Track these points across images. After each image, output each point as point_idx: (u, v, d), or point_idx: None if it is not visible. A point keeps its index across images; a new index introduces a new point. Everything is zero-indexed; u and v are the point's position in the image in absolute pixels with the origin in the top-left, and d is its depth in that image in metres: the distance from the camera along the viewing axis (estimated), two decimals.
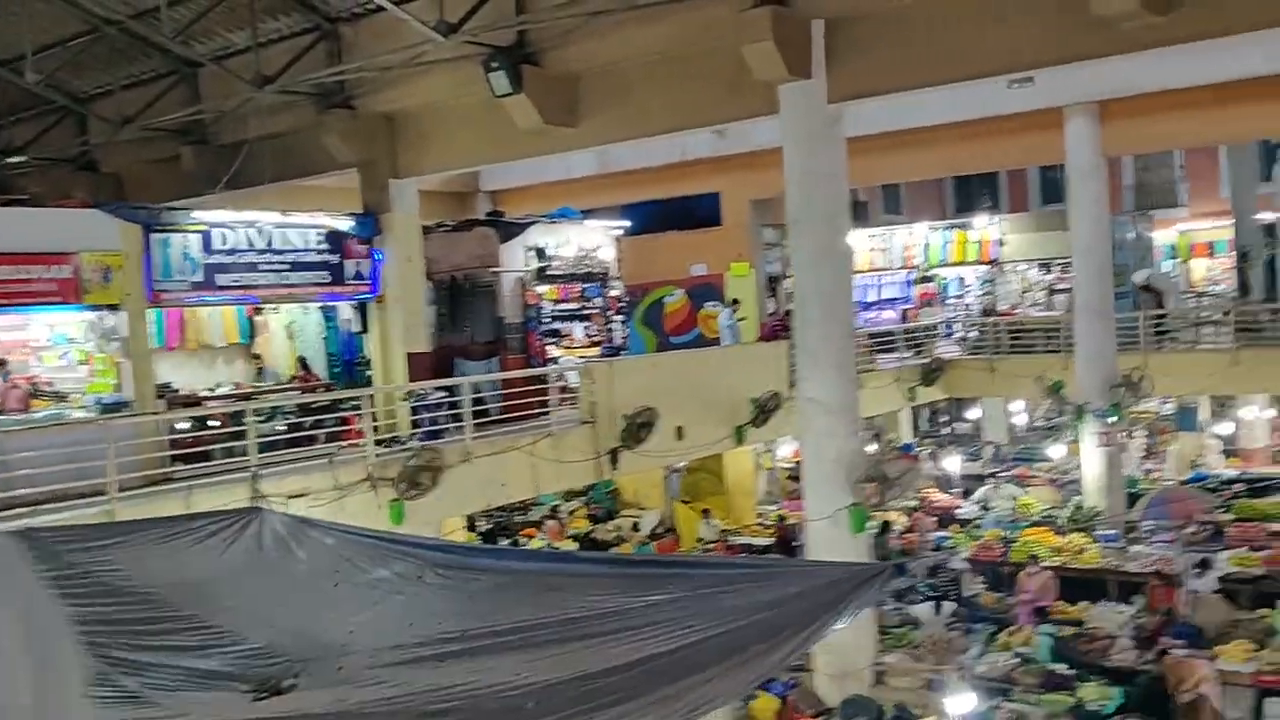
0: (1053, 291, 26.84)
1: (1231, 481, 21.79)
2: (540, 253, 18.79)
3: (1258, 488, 21.28)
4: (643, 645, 6.23)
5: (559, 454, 15.41)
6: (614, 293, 20.16)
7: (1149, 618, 14.74)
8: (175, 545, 7.75)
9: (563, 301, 19.54)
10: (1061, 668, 12.87)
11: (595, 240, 19.84)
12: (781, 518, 21.41)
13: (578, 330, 19.93)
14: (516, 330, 18.54)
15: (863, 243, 28.78)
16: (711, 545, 19.93)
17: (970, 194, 40.22)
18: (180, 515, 9.17)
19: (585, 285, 19.60)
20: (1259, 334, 23.05)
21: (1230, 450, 26.35)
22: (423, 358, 17.56)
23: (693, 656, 6.04)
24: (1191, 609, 14.59)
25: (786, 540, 19.55)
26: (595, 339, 19.99)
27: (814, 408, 12.40)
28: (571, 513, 24.68)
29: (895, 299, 29.20)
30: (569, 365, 16.99)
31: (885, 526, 18.18)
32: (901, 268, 28.21)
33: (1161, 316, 22.80)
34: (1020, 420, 29.52)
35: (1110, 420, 19.36)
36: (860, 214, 35.69)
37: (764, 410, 17.96)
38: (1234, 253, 30.11)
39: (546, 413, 15.52)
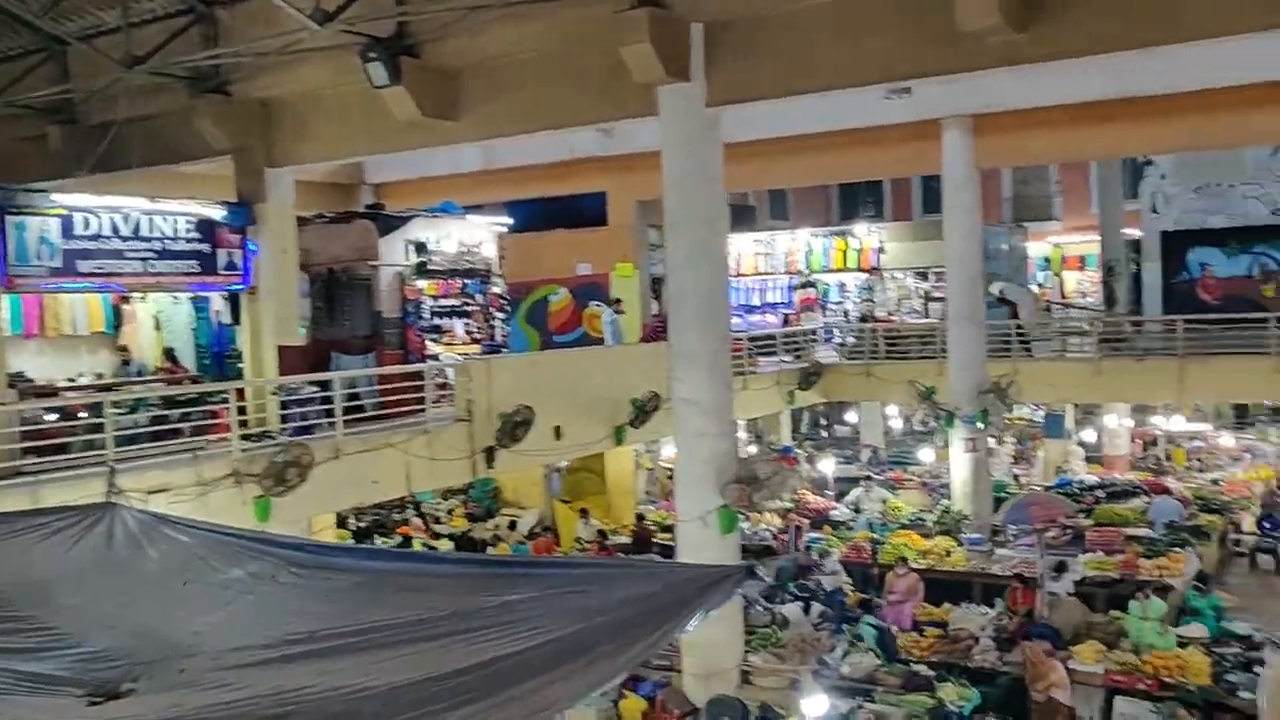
0: (929, 299, 27.47)
1: (1093, 487, 22.60)
2: (421, 247, 18.52)
3: (1117, 494, 22.11)
4: (492, 646, 6.15)
5: (433, 452, 15.20)
6: (496, 290, 19.99)
7: (1009, 619, 15.16)
8: (17, 542, 7.44)
9: (443, 297, 19.28)
10: (921, 669, 13.15)
11: (478, 236, 19.64)
12: (640, 517, 21.51)
13: (458, 327, 19.69)
14: (395, 325, 18.25)
15: (748, 247, 29.13)
16: (589, 545, 19.89)
17: (855, 201, 41.03)
18: (25, 510, 8.80)
19: (466, 281, 19.39)
20: (1122, 345, 23.99)
21: (1094, 457, 27.33)
22: (296, 351, 17.18)
23: (540, 657, 5.99)
24: (1049, 611, 15.04)
25: (644, 540, 19.67)
26: (476, 336, 19.78)
27: (687, 408, 12.45)
28: (450, 511, 24.46)
29: (778, 304, 29.58)
30: (447, 362, 16.75)
31: None
32: (785, 272, 28.58)
33: (1019, 328, 23.50)
34: (896, 424, 30.19)
35: (979, 426, 19.87)
36: (747, 218, 36.12)
37: (644, 411, 17.98)
38: (1102, 266, 31.25)
39: (422, 410, 15.30)
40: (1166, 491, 21.63)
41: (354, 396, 15.95)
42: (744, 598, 16.55)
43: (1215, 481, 23.86)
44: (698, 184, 12.36)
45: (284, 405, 14.96)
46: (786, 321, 27.83)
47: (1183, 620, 15.04)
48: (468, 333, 19.73)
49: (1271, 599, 18.30)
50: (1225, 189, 29.12)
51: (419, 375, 15.59)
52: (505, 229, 20.91)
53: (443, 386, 16.36)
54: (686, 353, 12.42)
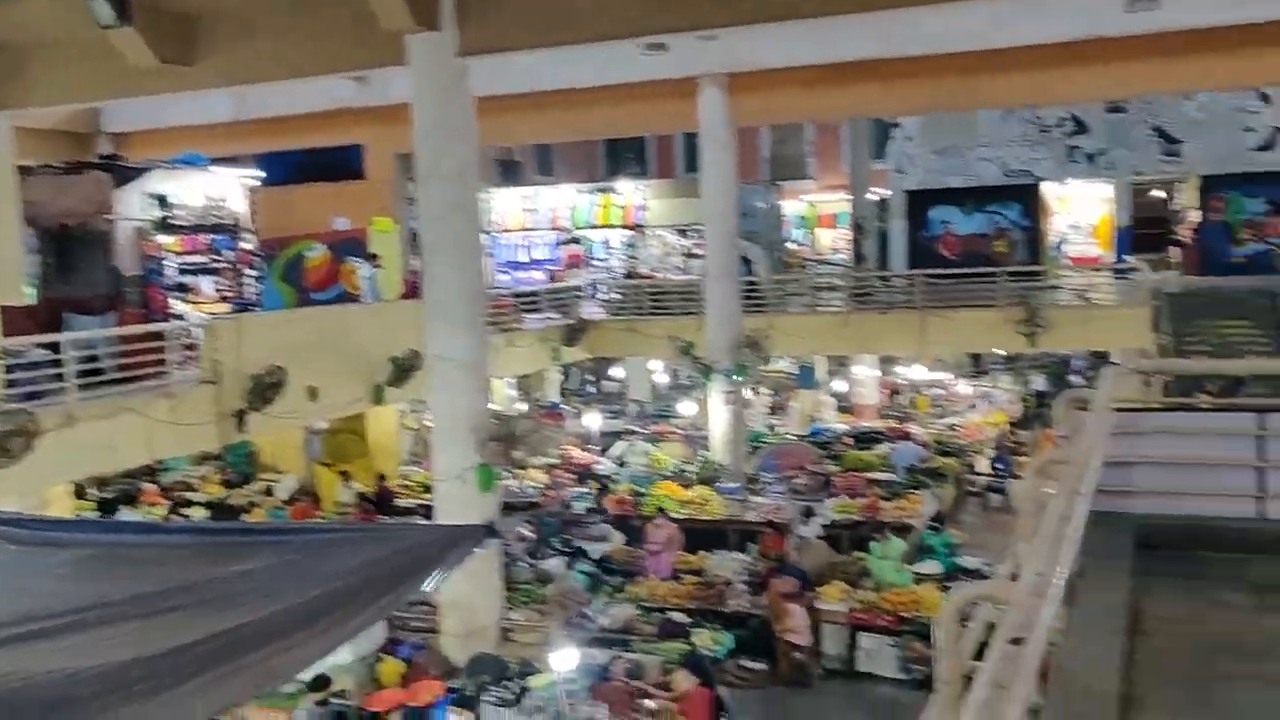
0: (689, 256, 28.02)
1: (842, 435, 23.69)
2: (162, 201, 17.43)
3: (863, 440, 23.27)
4: (224, 617, 5.91)
5: (178, 416, 14.42)
6: (246, 246, 19.08)
7: (761, 564, 15.74)
8: None
9: (190, 254, 18.26)
10: (679, 616, 13.50)
11: (225, 190, 18.66)
12: (382, 476, 21.21)
13: (207, 285, 18.72)
14: (135, 284, 17.13)
15: (513, 203, 28.89)
16: (350, 509, 19.41)
17: (620, 158, 41.30)
18: None
19: (214, 237, 18.42)
20: (869, 300, 25.19)
21: (845, 406, 28.68)
22: (22, 312, 15.89)
23: (273, 626, 5.80)
24: (798, 554, 15.70)
25: (385, 499, 19.44)
26: (226, 294, 18.86)
27: (442, 365, 12.25)
28: (204, 478, 23.37)
29: (544, 260, 29.53)
30: (193, 322, 15.88)
31: None
32: (550, 229, 28.53)
33: (751, 283, 24.38)
34: (662, 379, 30.76)
35: (735, 379, 20.46)
36: (513, 173, 35.82)
37: (404, 369, 17.58)
38: (852, 224, 32.67)
39: (166, 372, 14.46)
40: (907, 437, 22.90)
41: (93, 359, 14.97)
42: (508, 554, 16.58)
43: (952, 427, 25.42)
44: (450, 136, 12.11)
45: (9, 370, 13.83)
46: (552, 278, 27.83)
47: (920, 558, 15.98)
48: (217, 291, 18.79)
49: (1000, 535, 19.71)
50: (962, 150, 30.90)
51: (160, 336, 14.70)
52: (257, 182, 19.96)
53: (190, 348, 15.53)
54: (440, 309, 12.20)
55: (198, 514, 20.25)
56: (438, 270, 12.23)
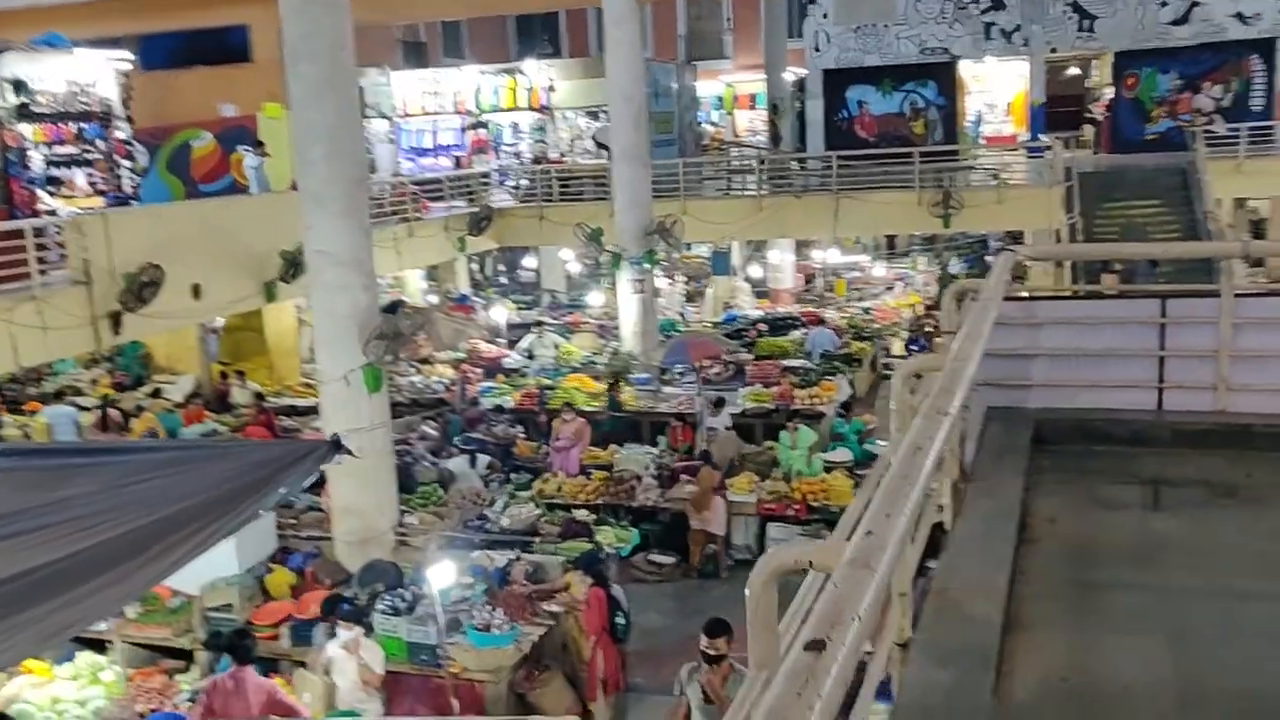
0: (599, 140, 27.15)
1: (756, 322, 23.34)
2: (19, 86, 16.15)
3: (778, 327, 22.95)
4: (36, 552, 5.31)
5: (45, 320, 13.54)
6: (120, 135, 17.87)
7: (671, 457, 15.42)
8: None
9: (57, 144, 17.06)
10: (582, 514, 13.15)
11: (92, 73, 17.36)
12: (224, 374, 20.53)
13: (80, 178, 17.56)
14: None
15: (414, 86, 27.66)
16: (245, 410, 18.69)
17: (532, 37, 39.91)
18: None
19: (83, 126, 17.19)
20: (785, 182, 24.64)
21: (761, 292, 28.34)
22: None
23: (94, 559, 5.22)
24: (708, 445, 15.38)
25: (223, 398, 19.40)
26: (101, 188, 17.72)
27: (322, 259, 11.51)
28: (95, 381, 22.40)
29: (451, 146, 28.46)
30: (58, 218, 14.84)
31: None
32: (455, 113, 27.39)
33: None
34: (575, 268, 30.08)
35: (645, 267, 19.89)
36: (418, 55, 34.39)
37: (295, 263, 16.75)
38: (768, 104, 31.91)
39: (28, 274, 13.50)
40: (821, 322, 22.61)
41: None
42: (410, 455, 16.07)
43: (867, 310, 25.20)
44: (321, 9, 11.16)
45: None
46: (458, 164, 26.82)
47: (832, 446, 15.76)
48: (91, 184, 17.65)
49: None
50: (880, 29, 30.12)
51: (19, 234, 13.68)
52: (129, 65, 18.63)
53: (62, 246, 14.54)
54: (316, 198, 11.40)
55: (86, 419, 19.38)
56: (313, 157, 11.39)
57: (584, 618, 10.26)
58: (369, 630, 10.50)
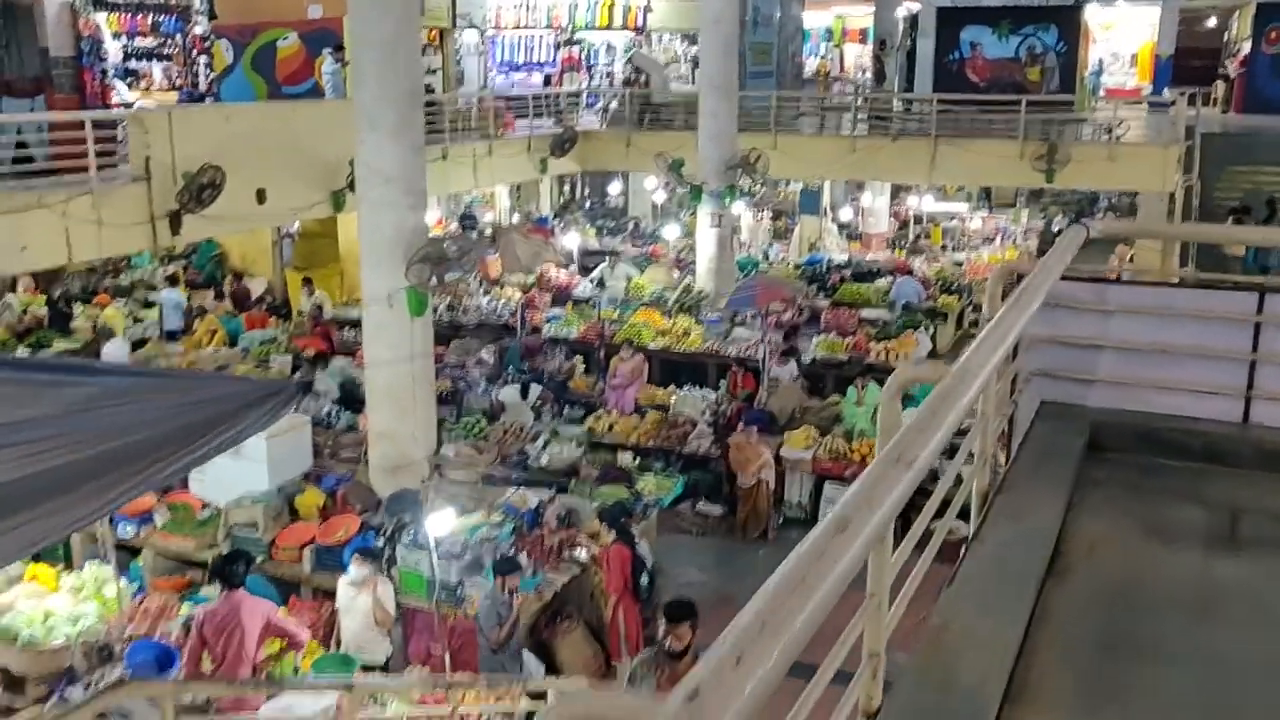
0: (697, 65, 26.16)
1: (840, 266, 22.38)
2: None
3: (863, 274, 21.96)
4: None
5: (101, 215, 13.35)
6: (198, 30, 17.57)
7: (729, 403, 14.78)
8: None
9: (134, 35, 16.82)
10: (627, 458, 12.61)
11: None
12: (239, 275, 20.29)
13: (157, 72, 17.33)
14: (67, 66, 15.77)
15: None
16: (305, 319, 18.45)
17: None
18: None
19: (160, 18, 16.91)
20: (887, 123, 23.47)
21: (854, 235, 27.26)
22: None
23: (48, 482, 4.86)
24: (769, 395, 14.70)
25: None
26: (177, 83, 17.49)
27: (370, 175, 11.00)
28: (170, 278, 22.42)
29: (544, 62, 27.73)
30: (118, 112, 14.58)
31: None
32: (547, 28, 26.59)
33: (647, 99, 23.10)
34: (661, 197, 29.28)
35: (725, 202, 19.08)
36: None
37: None
38: (874, 41, 30.51)
39: (86, 167, 13.27)
40: (909, 272, 21.58)
41: (21, 145, 13.84)
42: (464, 381, 15.68)
43: (959, 263, 24.04)
44: None
45: None
46: (548, 82, 26.09)
47: (906, 405, 14.91)
48: (167, 79, 17.41)
49: None
50: None
51: (79, 125, 13.42)
52: None
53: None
54: (367, 112, 10.86)
55: (151, 315, 19.39)
56: (365, 69, 10.83)
57: (606, 576, 9.76)
58: (391, 564, 10.17)
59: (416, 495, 11.02)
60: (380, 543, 10.50)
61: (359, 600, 8.86)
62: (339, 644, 9.23)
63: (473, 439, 12.61)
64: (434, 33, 24.18)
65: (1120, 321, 4.90)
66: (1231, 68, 28.29)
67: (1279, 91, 26.87)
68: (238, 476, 11.66)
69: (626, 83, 25.29)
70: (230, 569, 8.30)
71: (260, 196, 15.45)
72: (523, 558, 9.88)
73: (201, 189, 14.03)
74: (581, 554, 10.26)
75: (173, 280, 20.49)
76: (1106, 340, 4.93)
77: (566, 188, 31.72)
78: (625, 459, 12.76)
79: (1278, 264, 17.89)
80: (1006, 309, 3.32)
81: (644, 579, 9.75)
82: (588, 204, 30.71)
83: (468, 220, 28.62)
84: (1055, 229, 29.31)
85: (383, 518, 10.86)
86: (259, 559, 10.68)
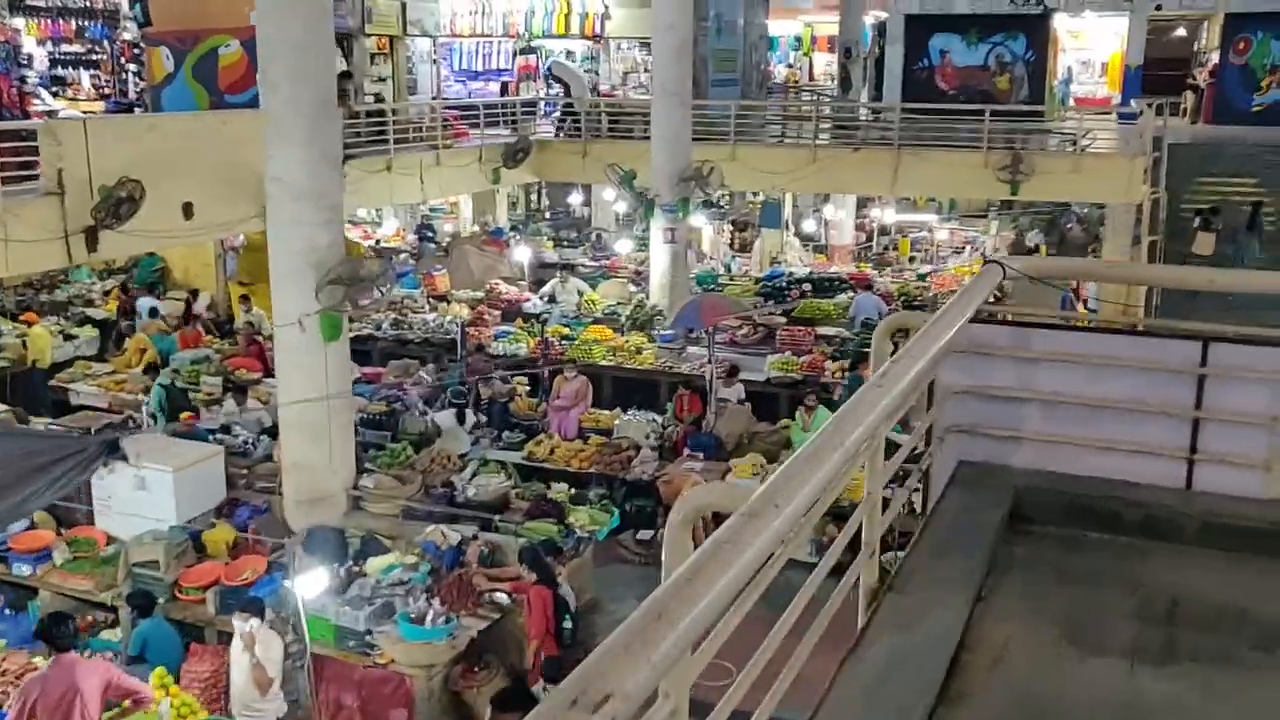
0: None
1: (802, 280, 21.74)
2: None
3: (824, 288, 21.34)
4: None
5: (11, 232, 12.58)
6: (128, 37, 16.82)
7: (675, 427, 14.13)
8: None
9: (58, 42, 16.06)
10: (561, 489, 11.92)
11: None
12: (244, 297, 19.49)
13: (86, 80, 16.58)
14: None
15: (461, 4, 26.22)
16: (238, 335, 17.71)
17: None
18: None
19: (85, 23, 16.16)
20: (847, 132, 22.92)
21: (820, 247, 26.65)
22: None
23: None
24: (716, 418, 14.05)
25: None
26: (105, 91, 16.74)
27: (280, 190, 10.32)
28: (107, 293, 21.63)
29: (503, 70, 27.07)
30: (26, 123, 13.84)
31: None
32: (504, 35, 25.93)
33: (568, 106, 22.40)
34: (622, 208, 28.64)
35: (680, 215, 18.43)
36: None
37: None
38: (839, 48, 30.00)
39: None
40: (869, 287, 21.00)
41: None
42: (401, 401, 14.98)
43: (921, 277, 23.47)
44: None
45: None
46: (505, 90, 25.43)
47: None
48: (95, 87, 16.66)
49: None
50: None
51: None
52: None
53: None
54: (277, 123, 10.18)
55: (87, 334, 18.60)
56: (275, 76, 10.16)
57: (526, 619, 9.09)
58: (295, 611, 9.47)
59: (330, 533, 10.35)
60: (289, 583, 9.79)
61: (244, 656, 8.15)
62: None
63: (398, 467, 11.90)
64: (383, 40, 23.51)
65: (1047, 371, 4.28)
66: (1201, 78, 27.90)
67: (1248, 102, 26.53)
68: (146, 508, 10.97)
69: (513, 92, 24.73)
70: (58, 629, 7.51)
71: (187, 211, 14.70)
72: (436, 603, 9.20)
73: (119, 203, 13.26)
74: (502, 597, 9.57)
75: (150, 288, 19.94)
76: (1032, 392, 4.31)
77: (533, 197, 31.07)
78: (560, 488, 12.06)
79: (1257, 265, 17.42)
80: (884, 372, 2.68)
81: (566, 622, 9.07)
82: (548, 214, 30.04)
83: (425, 231, 28.00)
84: (1031, 243, 28.77)
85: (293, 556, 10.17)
86: (161, 600, 9.99)
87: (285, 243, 10.31)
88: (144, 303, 19.16)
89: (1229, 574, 3.79)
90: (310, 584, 7.94)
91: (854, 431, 2.28)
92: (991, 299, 3.79)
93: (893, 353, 3.69)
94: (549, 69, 22.72)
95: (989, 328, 4.25)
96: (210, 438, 12.40)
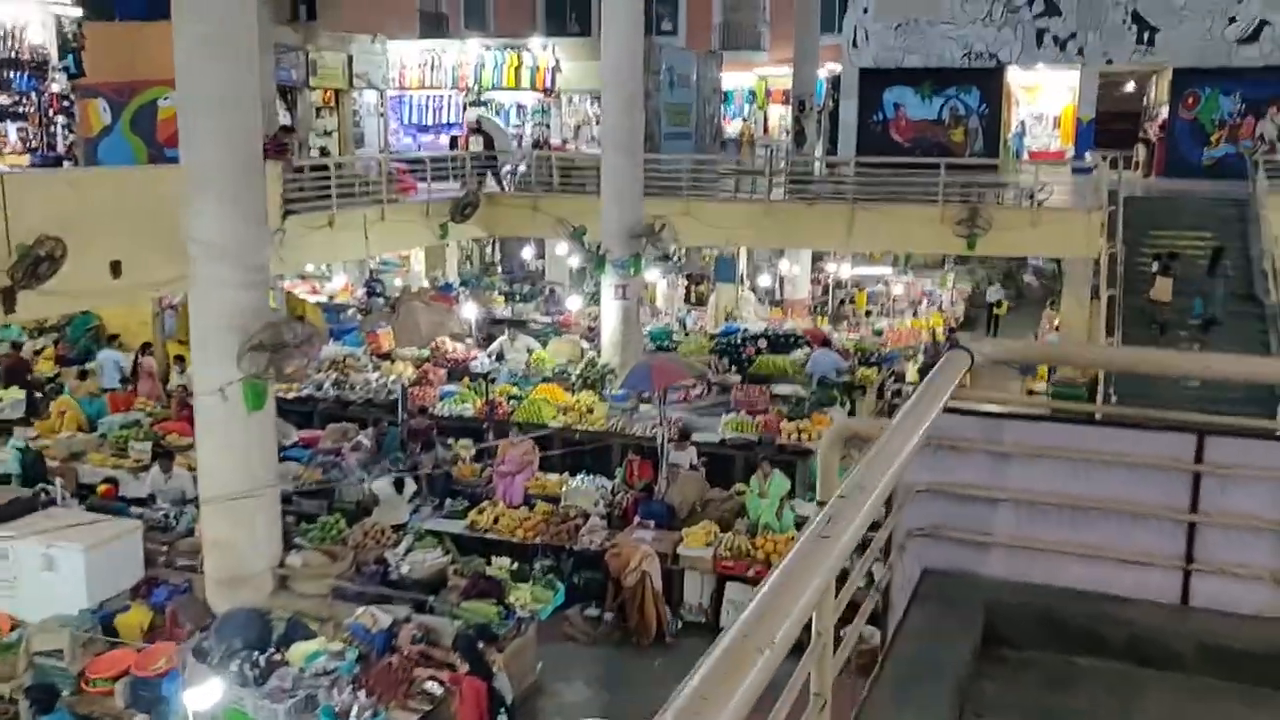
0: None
1: (758, 336, 21.29)
2: None
3: (781, 343, 20.90)
4: None
5: None
6: (56, 89, 16.18)
7: (625, 494, 13.55)
8: None
9: None
10: (503, 568, 11.25)
11: (23, 18, 15.68)
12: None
13: (12, 133, 15.92)
14: None
15: (412, 57, 25.82)
16: (174, 398, 16.96)
17: (562, 14, 38.09)
18: None
19: (11, 74, 15.52)
20: (800, 186, 22.63)
21: (776, 301, 26.31)
22: None
23: None
24: (668, 484, 13.48)
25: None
26: (32, 145, 16.07)
27: (201, 250, 9.71)
28: (39, 352, 20.80)
29: (452, 123, 26.62)
30: None
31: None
32: (454, 88, 25.50)
33: (490, 157, 22.20)
34: (576, 262, 28.17)
35: (631, 271, 17.95)
36: (437, 26, 32.45)
37: None
38: (793, 102, 29.89)
39: None
40: (826, 343, 20.58)
41: None
42: (339, 468, 14.30)
43: (878, 332, 23.13)
44: None
45: None
46: (454, 144, 24.93)
47: (809, 495, 13.80)
48: (21, 140, 15.99)
49: None
50: (924, 27, 28.11)
51: None
52: (76, 11, 16.95)
53: None
54: (199, 179, 9.60)
55: (13, 395, 17.75)
56: (196, 131, 9.59)
57: (459, 712, 8.42)
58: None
59: (251, 616, 9.64)
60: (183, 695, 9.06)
61: None
62: None
63: (330, 542, 11.20)
64: (329, 93, 23.00)
65: (1022, 467, 3.77)
66: (1151, 131, 28.01)
67: (1199, 156, 26.61)
68: (52, 593, 10.22)
69: (536, 145, 24.29)
70: None
71: (115, 269, 13.94)
72: (362, 695, 8.52)
73: (37, 261, 12.54)
74: (434, 686, 8.89)
75: (111, 338, 19.93)
76: (1005, 491, 3.80)
77: (488, 250, 30.55)
78: (501, 563, 11.40)
79: (1223, 313, 17.17)
80: (830, 516, 2.13)
81: (502, 716, 8.41)
82: (499, 269, 29.51)
83: (374, 285, 27.37)
84: (991, 299, 28.59)
85: (212, 642, 9.45)
86: (65, 693, 9.23)
87: (206, 305, 9.69)
88: (106, 355, 18.99)
89: (1233, 707, 3.26)
90: (203, 696, 7.23)
91: (783, 623, 1.72)
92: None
93: (842, 460, 3.16)
94: (477, 121, 22.28)
95: (956, 418, 3.73)
96: (130, 510, 11.66)
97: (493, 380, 18.28)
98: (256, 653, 9.04)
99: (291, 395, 18.08)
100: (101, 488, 12.62)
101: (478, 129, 22.24)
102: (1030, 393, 19.08)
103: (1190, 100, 26.64)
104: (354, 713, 8.35)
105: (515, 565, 11.37)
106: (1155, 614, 3.59)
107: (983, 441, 3.79)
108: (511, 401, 16.98)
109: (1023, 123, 29.32)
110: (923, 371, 21.73)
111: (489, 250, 30.69)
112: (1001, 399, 4.04)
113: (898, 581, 3.81)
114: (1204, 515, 3.61)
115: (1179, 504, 3.63)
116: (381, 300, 25.09)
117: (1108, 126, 28.15)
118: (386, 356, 19.25)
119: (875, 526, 4.27)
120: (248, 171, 9.70)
